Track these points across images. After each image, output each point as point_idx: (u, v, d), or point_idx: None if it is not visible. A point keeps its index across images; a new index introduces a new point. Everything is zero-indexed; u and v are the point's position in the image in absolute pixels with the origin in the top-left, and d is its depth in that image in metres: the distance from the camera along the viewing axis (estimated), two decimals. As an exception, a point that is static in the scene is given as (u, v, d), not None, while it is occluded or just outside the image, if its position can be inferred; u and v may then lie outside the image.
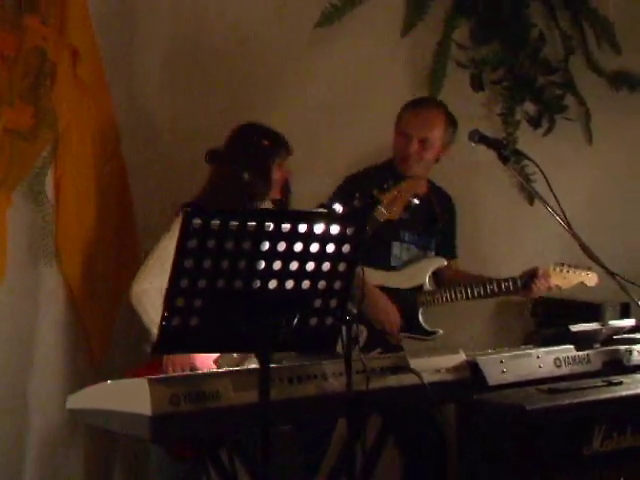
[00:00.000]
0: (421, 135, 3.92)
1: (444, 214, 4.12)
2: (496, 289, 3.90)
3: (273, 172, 3.71)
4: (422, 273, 4.01)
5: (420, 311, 3.97)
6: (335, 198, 3.71)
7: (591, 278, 3.91)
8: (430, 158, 3.95)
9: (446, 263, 4.06)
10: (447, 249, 4.15)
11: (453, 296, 3.94)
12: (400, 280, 3.97)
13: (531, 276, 3.86)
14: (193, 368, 3.45)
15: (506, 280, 3.89)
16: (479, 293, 3.92)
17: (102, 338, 4.05)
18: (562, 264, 3.88)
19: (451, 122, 3.98)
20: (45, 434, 3.86)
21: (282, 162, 3.75)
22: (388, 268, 3.97)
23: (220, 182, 3.72)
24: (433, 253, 4.10)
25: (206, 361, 3.50)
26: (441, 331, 3.98)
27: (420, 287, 3.99)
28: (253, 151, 3.72)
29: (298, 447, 3.43)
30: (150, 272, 3.62)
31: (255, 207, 3.68)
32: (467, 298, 3.93)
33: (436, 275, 4.05)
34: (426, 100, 4.15)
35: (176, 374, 3.34)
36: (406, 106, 4.01)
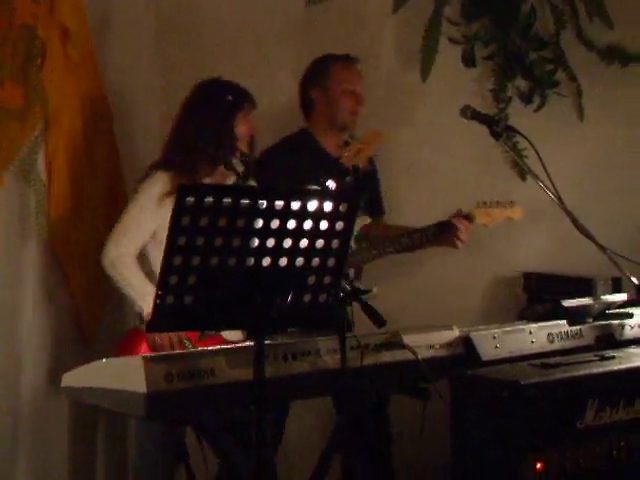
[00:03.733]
0: (360, 89, 3.97)
1: (366, 173, 3.98)
2: (422, 236, 3.76)
3: (237, 125, 3.66)
4: None
5: (350, 272, 3.81)
6: (261, 173, 3.66)
7: (515, 211, 3.80)
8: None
9: (370, 220, 3.99)
10: (375, 206, 4.11)
11: (381, 251, 3.82)
12: None
13: (455, 217, 3.75)
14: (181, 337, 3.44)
15: (428, 226, 3.76)
16: (407, 244, 3.80)
17: (93, 315, 4.06)
18: (484, 202, 3.76)
19: None
20: (34, 407, 3.86)
21: (247, 115, 3.69)
22: None
23: (184, 140, 3.67)
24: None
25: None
26: (375, 289, 3.83)
27: None
28: (215, 105, 3.66)
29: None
30: (125, 236, 3.60)
31: (225, 162, 3.62)
32: (396, 251, 3.82)
33: (367, 233, 3.93)
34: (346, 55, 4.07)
35: (172, 352, 3.35)
36: (335, 62, 4.00)
